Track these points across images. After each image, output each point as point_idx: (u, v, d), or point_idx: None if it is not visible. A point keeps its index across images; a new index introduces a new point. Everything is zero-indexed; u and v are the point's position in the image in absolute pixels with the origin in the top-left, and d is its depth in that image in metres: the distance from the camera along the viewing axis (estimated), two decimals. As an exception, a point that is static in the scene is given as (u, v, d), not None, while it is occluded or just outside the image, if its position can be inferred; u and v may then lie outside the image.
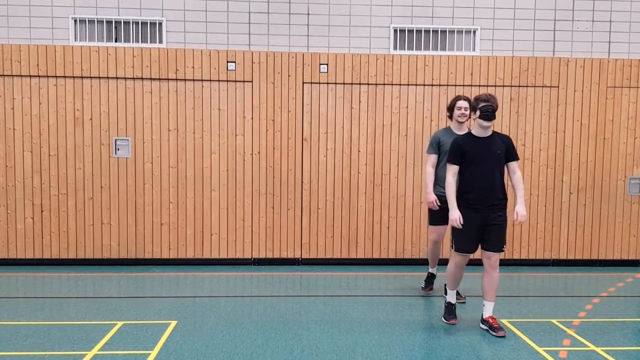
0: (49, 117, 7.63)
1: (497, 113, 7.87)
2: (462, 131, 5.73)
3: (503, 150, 4.98)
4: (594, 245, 8.20)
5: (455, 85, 7.92)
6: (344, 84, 7.86)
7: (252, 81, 7.80)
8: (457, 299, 5.51)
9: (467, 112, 5.75)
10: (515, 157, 5.04)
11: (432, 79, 7.92)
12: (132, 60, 7.67)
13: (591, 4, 8.32)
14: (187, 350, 4.51)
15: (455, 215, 4.93)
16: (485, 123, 4.95)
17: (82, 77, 7.64)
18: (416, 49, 8.24)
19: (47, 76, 7.59)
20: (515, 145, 5.18)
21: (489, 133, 5.04)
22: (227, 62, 7.77)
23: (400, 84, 7.90)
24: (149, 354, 4.42)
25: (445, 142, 5.71)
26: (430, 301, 6.20)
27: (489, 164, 4.96)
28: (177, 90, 7.75)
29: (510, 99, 8.01)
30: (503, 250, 5.09)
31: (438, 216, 5.88)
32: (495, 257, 5.04)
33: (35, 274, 7.36)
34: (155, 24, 8.05)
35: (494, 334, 4.94)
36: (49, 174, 7.67)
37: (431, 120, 7.95)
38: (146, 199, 7.79)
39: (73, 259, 7.77)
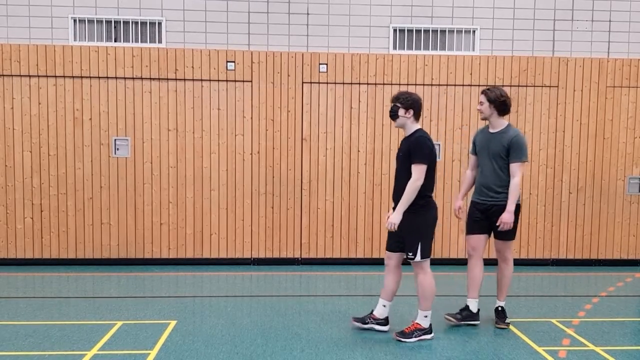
0: (49, 117, 7.62)
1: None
2: (495, 129, 5.12)
3: (405, 151, 4.73)
4: (594, 244, 8.21)
5: (455, 85, 7.93)
6: (343, 83, 7.86)
7: (251, 81, 7.80)
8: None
9: (482, 108, 5.11)
10: (413, 159, 4.64)
11: (432, 79, 7.92)
12: (132, 60, 7.67)
13: (590, 3, 8.32)
14: (186, 350, 4.51)
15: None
16: (394, 123, 4.93)
17: (81, 77, 7.64)
18: (416, 49, 8.24)
19: (47, 76, 7.59)
20: (419, 146, 4.68)
21: (407, 134, 4.83)
22: (227, 62, 7.77)
23: (399, 84, 7.90)
24: (149, 353, 4.42)
25: (478, 141, 5.27)
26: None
27: (397, 165, 4.89)
28: (176, 90, 7.75)
29: (510, 98, 8.00)
30: (409, 259, 4.73)
31: (470, 224, 5.33)
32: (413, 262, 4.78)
33: (34, 273, 7.36)
34: (154, 23, 8.05)
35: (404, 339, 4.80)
36: (48, 174, 7.67)
37: (430, 120, 7.95)
38: (146, 198, 7.79)
39: (73, 259, 7.77)
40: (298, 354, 4.48)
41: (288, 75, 7.82)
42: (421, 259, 4.71)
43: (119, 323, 5.17)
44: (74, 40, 7.94)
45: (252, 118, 7.82)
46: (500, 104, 5.05)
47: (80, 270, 7.51)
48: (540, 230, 8.13)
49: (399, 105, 4.77)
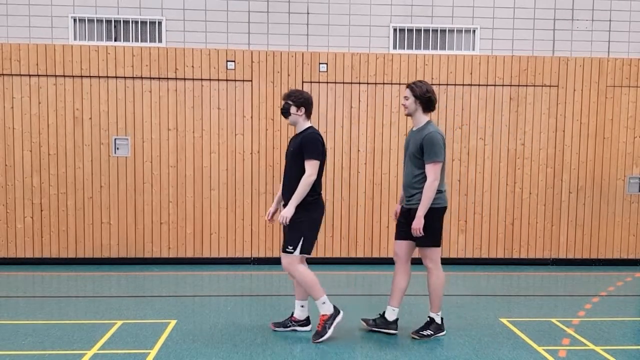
0: (49, 116, 7.62)
1: (496, 112, 7.98)
2: (416, 126, 4.90)
3: (296, 148, 4.67)
4: (594, 244, 8.21)
5: (455, 85, 7.93)
6: (343, 83, 7.85)
7: (251, 80, 7.80)
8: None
9: (407, 103, 4.88)
10: (306, 156, 4.59)
11: (432, 78, 7.92)
12: (132, 59, 7.67)
13: (591, 3, 8.32)
14: (186, 350, 4.51)
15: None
16: (286, 121, 4.87)
17: (81, 77, 7.64)
18: (416, 48, 8.24)
19: (47, 75, 7.59)
20: (311, 142, 4.61)
21: (298, 131, 4.79)
22: (227, 61, 7.76)
23: (399, 83, 7.90)
24: (149, 353, 4.42)
25: (405, 142, 5.04)
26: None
27: (287, 161, 4.81)
28: (176, 90, 7.75)
29: (510, 98, 8.01)
30: (287, 252, 4.66)
31: (396, 229, 5.09)
32: (282, 258, 4.76)
33: (34, 273, 7.36)
34: (154, 23, 8.05)
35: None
36: (48, 173, 7.67)
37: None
38: (145, 198, 7.79)
39: (72, 258, 7.77)
40: (298, 354, 4.47)
41: (288, 75, 7.82)
42: (300, 253, 4.65)
43: (119, 322, 5.17)
44: (74, 40, 7.94)
45: (252, 117, 7.82)
46: (427, 100, 4.82)
47: (80, 269, 7.51)
48: (540, 230, 8.13)
49: (290, 103, 4.75)
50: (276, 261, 7.89)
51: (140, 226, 7.82)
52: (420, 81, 4.99)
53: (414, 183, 4.76)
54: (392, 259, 7.96)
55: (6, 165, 7.63)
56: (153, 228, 7.84)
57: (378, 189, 7.98)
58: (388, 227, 8.01)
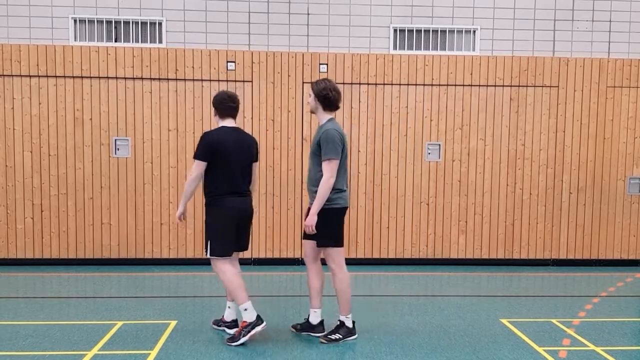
0: (49, 117, 7.63)
1: (496, 113, 7.98)
2: (319, 123, 4.84)
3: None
4: (594, 245, 8.21)
5: (455, 85, 7.93)
6: (343, 83, 7.85)
7: (251, 81, 7.80)
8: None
9: (310, 100, 4.82)
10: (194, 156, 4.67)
11: (432, 79, 7.92)
12: (132, 60, 7.67)
13: (591, 3, 8.32)
14: (186, 350, 4.51)
15: None
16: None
17: (82, 77, 7.64)
18: (416, 49, 8.24)
19: (47, 76, 7.59)
20: (199, 141, 4.67)
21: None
22: (227, 62, 7.77)
23: (400, 84, 7.90)
24: (149, 353, 4.42)
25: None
26: (430, 301, 6.21)
27: None
28: (177, 90, 7.76)
29: (510, 98, 8.01)
30: (207, 255, 4.67)
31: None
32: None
33: (35, 273, 7.36)
34: (155, 23, 8.05)
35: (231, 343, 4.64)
36: (48, 174, 7.67)
37: (431, 120, 7.95)
38: (146, 198, 7.79)
39: (73, 259, 7.78)
40: (298, 354, 4.47)
41: (288, 75, 7.82)
42: (210, 256, 4.68)
43: (119, 323, 5.17)
44: (75, 40, 7.94)
45: (252, 118, 7.82)
46: (323, 98, 4.68)
47: (80, 270, 7.51)
48: (541, 231, 8.13)
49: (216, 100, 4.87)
50: (276, 262, 7.93)
51: (140, 227, 7.82)
52: (323, 79, 4.82)
53: (315, 180, 4.61)
54: (392, 259, 8.03)
55: (6, 166, 7.63)
56: (153, 228, 7.84)
57: (378, 190, 7.98)
58: (388, 227, 8.01)
